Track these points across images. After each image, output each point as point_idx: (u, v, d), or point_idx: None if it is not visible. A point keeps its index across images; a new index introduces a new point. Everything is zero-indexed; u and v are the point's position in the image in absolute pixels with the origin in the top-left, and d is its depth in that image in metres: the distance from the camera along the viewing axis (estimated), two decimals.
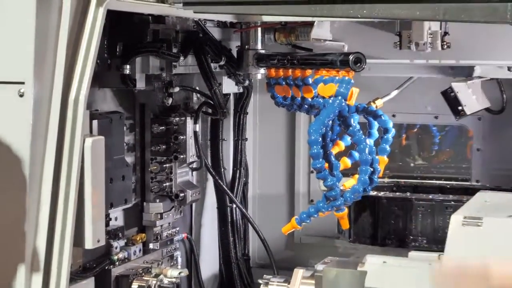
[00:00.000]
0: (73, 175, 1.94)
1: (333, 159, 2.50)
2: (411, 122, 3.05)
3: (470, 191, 2.58)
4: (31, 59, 1.87)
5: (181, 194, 2.65)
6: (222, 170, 2.86)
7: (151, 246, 2.53)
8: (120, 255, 2.34)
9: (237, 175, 2.90)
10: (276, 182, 3.09)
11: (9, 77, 1.89)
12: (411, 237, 2.71)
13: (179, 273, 2.45)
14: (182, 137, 2.63)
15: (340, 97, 2.42)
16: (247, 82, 2.79)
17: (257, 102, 2.99)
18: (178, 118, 2.62)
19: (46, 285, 1.92)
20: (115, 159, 2.29)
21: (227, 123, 2.89)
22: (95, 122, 2.19)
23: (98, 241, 2.08)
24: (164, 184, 2.59)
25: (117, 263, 2.32)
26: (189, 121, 2.67)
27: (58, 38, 1.93)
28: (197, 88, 2.69)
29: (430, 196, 2.78)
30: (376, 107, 2.58)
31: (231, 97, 2.86)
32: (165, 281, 2.37)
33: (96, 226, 2.06)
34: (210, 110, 2.73)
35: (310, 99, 2.48)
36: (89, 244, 2.05)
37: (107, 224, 2.26)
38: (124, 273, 2.32)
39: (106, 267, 2.25)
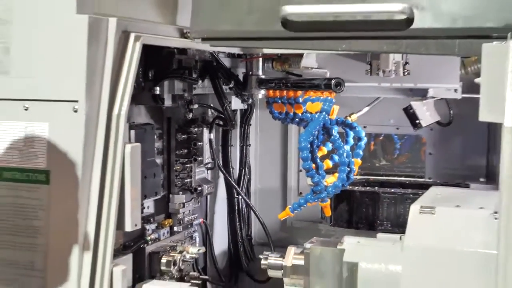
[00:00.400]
0: (116, 174, 1.95)
1: (318, 161, 2.51)
2: (378, 132, 3.06)
3: (424, 186, 2.58)
4: (83, 82, 1.87)
5: (199, 188, 2.66)
6: (231, 169, 2.87)
7: (175, 228, 2.54)
8: (152, 236, 2.35)
9: (242, 173, 2.92)
10: (272, 179, 3.11)
11: (66, 96, 1.89)
12: (379, 222, 2.79)
13: (198, 250, 2.47)
14: (199, 143, 2.65)
15: (324, 113, 2.45)
16: (250, 101, 2.80)
17: (258, 116, 3.01)
18: (196, 129, 2.63)
19: (95, 260, 1.91)
20: (148, 160, 2.28)
21: (234, 132, 2.89)
22: (132, 132, 2.20)
23: (136, 225, 2.09)
24: (185, 180, 2.60)
25: (149, 242, 2.32)
26: (205, 131, 2.68)
27: (104, 66, 1.94)
28: (212, 105, 2.70)
29: (393, 190, 2.83)
30: (352, 120, 2.60)
31: (238, 112, 2.87)
32: (187, 256, 2.38)
33: (134, 213, 2.06)
34: (221, 122, 2.75)
35: (300, 114, 2.49)
36: (128, 227, 2.05)
37: (141, 212, 2.27)
38: (155, 250, 2.33)
39: (141, 246, 2.26)
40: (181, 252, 2.36)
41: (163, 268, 2.30)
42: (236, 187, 2.83)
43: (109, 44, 1.94)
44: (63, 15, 1.90)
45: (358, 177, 2.91)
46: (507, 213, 1.62)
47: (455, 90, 2.59)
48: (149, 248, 2.29)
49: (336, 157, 2.54)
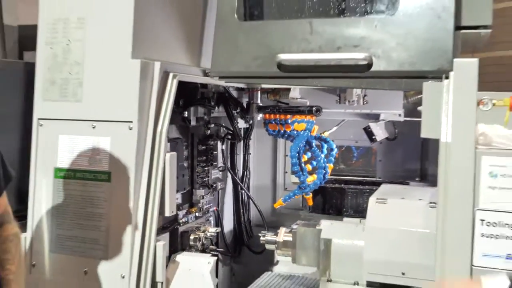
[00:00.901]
0: (159, 174, 1.96)
1: (303, 165, 2.49)
2: (342, 144, 3.01)
3: (376, 184, 2.60)
4: (136, 108, 1.90)
5: (214, 185, 2.66)
6: (236, 171, 2.84)
7: (197, 214, 2.52)
8: (183, 220, 2.34)
9: (245, 174, 2.88)
10: (265, 178, 3.07)
11: (123, 118, 1.91)
12: (344, 209, 2.80)
13: (216, 230, 2.45)
14: (214, 152, 2.64)
15: (307, 131, 2.46)
16: (251, 121, 2.79)
17: (256, 133, 2.95)
18: (212, 142, 2.62)
19: (143, 237, 1.93)
20: (179, 165, 2.27)
21: (239, 144, 2.87)
22: (168, 144, 2.17)
23: (172, 212, 2.10)
24: (204, 179, 2.59)
25: (181, 224, 2.32)
26: (219, 143, 2.68)
27: (151, 96, 1.96)
28: (223, 124, 2.68)
29: (353, 187, 2.82)
30: (325, 136, 2.59)
31: (242, 130, 2.84)
32: (208, 234, 2.37)
33: (171, 203, 2.07)
34: (230, 137, 2.74)
35: (289, 131, 2.50)
36: (167, 213, 2.06)
37: None
38: (185, 230, 2.32)
39: (175, 227, 2.26)
40: (203, 231, 2.35)
41: (191, 243, 2.30)
42: (240, 183, 2.82)
43: (155, 80, 1.96)
44: (122, 59, 1.93)
45: (329, 177, 2.85)
46: (442, 203, 1.63)
47: (399, 115, 2.59)
48: (181, 229, 2.29)
49: (314, 163, 2.54)
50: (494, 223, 1.58)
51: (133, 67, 1.89)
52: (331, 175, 2.67)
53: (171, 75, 2.00)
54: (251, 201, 2.89)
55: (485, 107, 1.64)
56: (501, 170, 1.56)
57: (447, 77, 1.68)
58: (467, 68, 1.63)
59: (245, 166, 2.87)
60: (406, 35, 1.88)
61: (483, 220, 1.59)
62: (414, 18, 1.87)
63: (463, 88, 1.62)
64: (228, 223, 2.88)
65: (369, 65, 1.89)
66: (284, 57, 1.97)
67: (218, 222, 2.76)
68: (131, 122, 1.90)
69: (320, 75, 2.02)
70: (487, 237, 1.60)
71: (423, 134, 1.75)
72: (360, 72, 1.92)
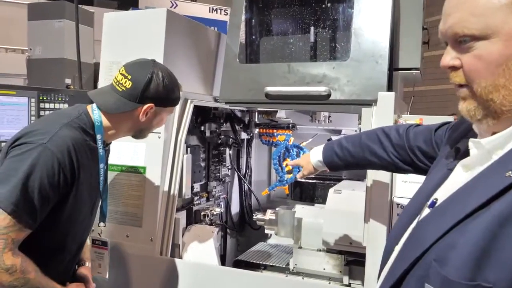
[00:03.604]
0: (179, 169, 1.99)
1: (283, 166, 2.54)
2: None
3: (340, 180, 2.58)
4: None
5: (223, 179, 2.68)
6: (241, 170, 2.82)
7: (210, 199, 2.52)
8: (197, 202, 2.35)
9: (247, 172, 2.87)
10: (262, 175, 3.01)
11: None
12: (316, 198, 2.77)
13: (219, 210, 2.44)
14: (224, 155, 2.66)
15: (286, 140, 2.52)
16: (251, 134, 2.80)
17: (255, 141, 2.90)
18: (222, 148, 2.64)
19: (166, 213, 1.96)
20: (196, 164, 2.29)
21: (243, 150, 2.85)
22: (189, 149, 2.22)
23: (188, 195, 2.14)
24: (216, 174, 2.61)
25: (195, 205, 2.31)
26: (227, 149, 2.70)
27: (174, 115, 1.99)
28: (230, 135, 2.66)
29: (321, 182, 2.79)
30: (303, 145, 2.61)
31: (245, 140, 2.82)
32: (214, 213, 2.36)
33: (187, 189, 2.12)
34: (235, 145, 2.74)
35: (274, 141, 2.55)
36: (184, 196, 2.10)
37: (192, 190, 2.28)
38: (198, 209, 2.32)
39: (191, 206, 2.25)
40: (210, 210, 2.34)
41: (201, 218, 2.31)
42: (243, 178, 2.79)
43: (177, 105, 1.99)
44: None
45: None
46: (368, 193, 1.76)
47: (356, 131, 2.47)
48: (194, 208, 2.30)
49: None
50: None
51: None
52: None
53: (189, 101, 2.02)
54: (251, 191, 2.90)
55: None
56: None
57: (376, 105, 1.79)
58: (386, 98, 1.71)
59: (247, 166, 2.87)
60: (354, 75, 1.97)
61: (398, 204, 1.69)
62: (360, 63, 1.97)
63: (383, 112, 1.70)
64: (235, 207, 2.88)
65: (328, 95, 2.00)
66: (269, 89, 2.09)
67: (227, 206, 2.77)
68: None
69: (295, 101, 2.10)
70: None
71: None
72: (322, 100, 2.02)
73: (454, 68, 0.80)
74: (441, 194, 0.85)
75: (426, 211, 0.86)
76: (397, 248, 0.89)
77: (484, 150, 0.79)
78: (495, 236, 0.67)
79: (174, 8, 8.01)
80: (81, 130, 1.41)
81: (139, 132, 1.57)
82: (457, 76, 0.80)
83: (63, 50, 4.55)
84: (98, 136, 1.46)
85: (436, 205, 0.84)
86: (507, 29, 0.72)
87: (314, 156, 1.60)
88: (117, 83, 1.46)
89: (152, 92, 1.45)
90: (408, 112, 2.41)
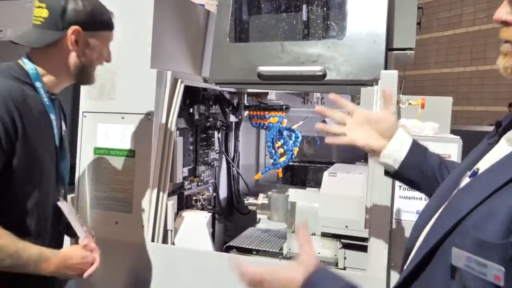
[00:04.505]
0: (170, 153, 1.95)
1: (276, 148, 2.50)
2: (309, 135, 2.94)
3: (332, 163, 2.57)
4: (153, 104, 1.89)
5: (212, 163, 2.63)
6: (229, 153, 2.79)
7: (199, 184, 2.49)
8: (188, 187, 2.30)
9: (235, 155, 2.84)
10: (251, 158, 2.99)
11: (143, 111, 1.90)
12: (307, 182, 2.75)
13: (211, 194, 2.43)
14: (212, 139, 2.61)
15: (279, 123, 2.47)
16: (240, 117, 2.75)
17: (244, 125, 2.86)
18: (211, 131, 2.59)
19: (158, 197, 1.91)
20: (185, 147, 2.24)
21: (231, 134, 2.82)
22: (177, 132, 2.16)
23: (179, 180, 2.09)
24: (205, 159, 2.55)
25: (186, 189, 2.28)
26: (216, 133, 2.64)
27: (164, 96, 1.94)
28: (219, 118, 2.62)
29: (313, 165, 2.80)
30: (294, 127, 2.60)
31: (234, 123, 2.79)
32: (205, 197, 2.33)
33: (178, 174, 2.06)
34: (224, 128, 2.69)
35: (266, 124, 2.50)
36: (175, 180, 2.05)
37: (182, 174, 2.23)
38: (189, 194, 2.29)
39: (182, 191, 2.22)
40: (202, 195, 2.32)
41: (193, 203, 2.27)
42: (232, 162, 2.77)
43: (167, 84, 1.94)
44: (143, 69, 1.91)
45: (298, 159, 2.82)
46: (371, 175, 1.74)
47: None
48: (186, 193, 2.27)
49: (285, 147, 2.55)
50: (408, 188, 1.61)
51: (151, 75, 1.89)
52: (299, 157, 2.65)
53: (179, 81, 1.98)
54: (239, 175, 2.87)
55: (403, 105, 1.69)
56: None
57: (377, 84, 1.76)
58: (389, 77, 1.68)
59: (235, 150, 2.84)
60: (350, 54, 1.93)
61: (400, 186, 1.65)
62: (356, 41, 1.92)
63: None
64: (223, 192, 2.85)
65: (324, 75, 1.94)
66: (262, 69, 2.02)
67: (215, 190, 2.73)
68: (149, 114, 1.89)
69: (288, 82, 2.05)
70: (403, 198, 1.67)
71: None
72: (317, 80, 1.96)
73: (506, 24, 0.80)
74: (483, 165, 0.83)
75: (466, 180, 0.84)
76: (432, 222, 0.86)
77: None
78: None
79: None
80: (15, 79, 1.30)
81: (80, 71, 1.41)
82: (507, 31, 0.79)
83: None
84: (37, 84, 1.34)
85: (478, 174, 0.82)
86: None
87: (396, 143, 1.18)
88: (36, 18, 1.34)
89: (72, 14, 1.33)
90: (401, 94, 2.39)
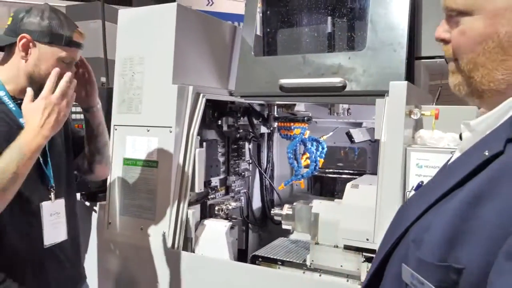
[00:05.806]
0: (191, 163, 1.98)
1: (299, 160, 2.48)
2: (345, 145, 2.89)
3: (362, 174, 2.54)
4: (174, 117, 1.95)
5: (243, 173, 2.66)
6: (261, 164, 2.80)
7: (230, 194, 2.52)
8: (212, 196, 2.32)
9: (268, 166, 2.84)
10: (284, 169, 2.97)
11: (166, 124, 1.97)
12: (336, 193, 2.71)
13: (235, 204, 2.39)
14: (243, 150, 2.64)
15: (301, 134, 2.47)
16: (272, 128, 2.76)
17: (276, 135, 2.87)
18: (242, 142, 2.62)
19: (179, 206, 1.97)
20: (213, 158, 2.29)
21: (264, 144, 2.83)
22: (204, 144, 2.20)
23: (200, 189, 2.11)
24: (236, 169, 2.59)
25: (209, 199, 2.29)
26: (246, 144, 2.67)
27: (186, 109, 1.99)
28: (249, 130, 2.64)
29: (341, 176, 2.76)
30: (323, 139, 2.57)
31: (266, 134, 2.80)
32: (229, 207, 2.32)
33: (199, 183, 2.09)
34: (254, 139, 2.71)
35: (291, 135, 2.49)
36: (196, 190, 2.07)
37: (210, 184, 2.29)
38: (212, 203, 2.30)
39: (205, 200, 2.23)
40: (226, 204, 2.32)
41: (216, 212, 2.28)
42: (264, 173, 2.77)
43: (189, 99, 1.99)
44: (166, 85, 1.97)
45: (327, 170, 2.78)
46: (379, 187, 1.68)
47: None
48: (209, 202, 2.28)
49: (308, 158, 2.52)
50: None
51: (173, 90, 1.94)
52: (331, 168, 2.61)
53: (201, 95, 2.02)
54: (272, 186, 2.86)
55: (414, 116, 1.66)
56: (425, 163, 1.58)
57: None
58: (397, 88, 1.64)
59: (268, 161, 2.84)
60: (370, 64, 1.90)
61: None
62: (376, 51, 1.90)
63: (394, 102, 1.63)
64: (257, 202, 2.86)
65: (344, 86, 1.93)
66: (283, 81, 2.05)
67: (248, 201, 2.73)
68: (171, 127, 1.93)
69: (309, 94, 2.06)
70: None
71: (375, 137, 1.76)
72: (337, 91, 1.95)
73: (445, 41, 0.80)
74: (429, 177, 0.85)
75: (412, 193, 0.86)
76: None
77: (474, 131, 0.78)
78: (466, 217, 0.65)
79: (210, 5, 7.98)
80: None
81: (33, 80, 1.41)
82: (447, 49, 0.80)
83: (98, 50, 4.65)
84: (1, 93, 1.39)
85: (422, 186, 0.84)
86: (491, 7, 0.71)
87: None
88: (5, 26, 1.42)
89: (28, 22, 1.38)
90: (434, 104, 2.30)
